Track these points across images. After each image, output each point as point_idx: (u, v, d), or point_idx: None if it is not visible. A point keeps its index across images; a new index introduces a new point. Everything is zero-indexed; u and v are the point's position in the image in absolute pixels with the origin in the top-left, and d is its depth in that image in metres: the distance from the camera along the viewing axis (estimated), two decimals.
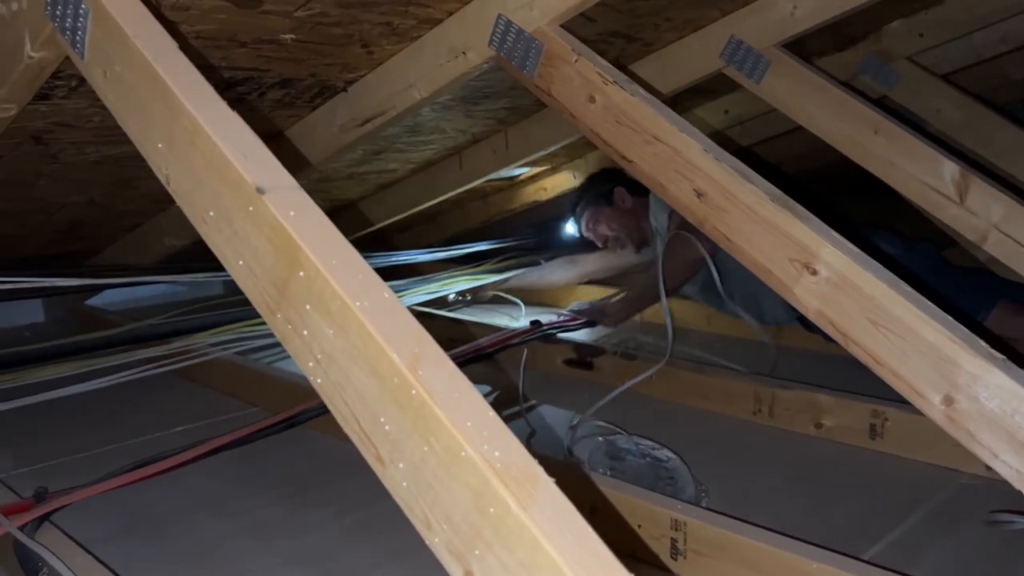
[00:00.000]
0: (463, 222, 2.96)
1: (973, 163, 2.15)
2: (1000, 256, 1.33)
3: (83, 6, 0.75)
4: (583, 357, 1.96)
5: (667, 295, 1.81)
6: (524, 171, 2.72)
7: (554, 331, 1.98)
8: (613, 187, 2.16)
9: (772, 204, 0.97)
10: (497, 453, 0.49)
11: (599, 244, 2.27)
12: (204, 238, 0.67)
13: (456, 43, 1.26)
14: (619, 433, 1.46)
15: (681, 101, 2.08)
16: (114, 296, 2.46)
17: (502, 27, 1.19)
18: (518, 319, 2.38)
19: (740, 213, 1.00)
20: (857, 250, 0.94)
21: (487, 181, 2.63)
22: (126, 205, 1.80)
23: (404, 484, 0.53)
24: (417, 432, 0.51)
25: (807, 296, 0.95)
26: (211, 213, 0.65)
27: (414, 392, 0.51)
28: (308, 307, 0.58)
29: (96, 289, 2.31)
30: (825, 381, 1.64)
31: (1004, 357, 0.86)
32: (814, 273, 0.94)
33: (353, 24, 1.21)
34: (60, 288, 1.93)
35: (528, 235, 3.31)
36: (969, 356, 0.85)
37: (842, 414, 1.55)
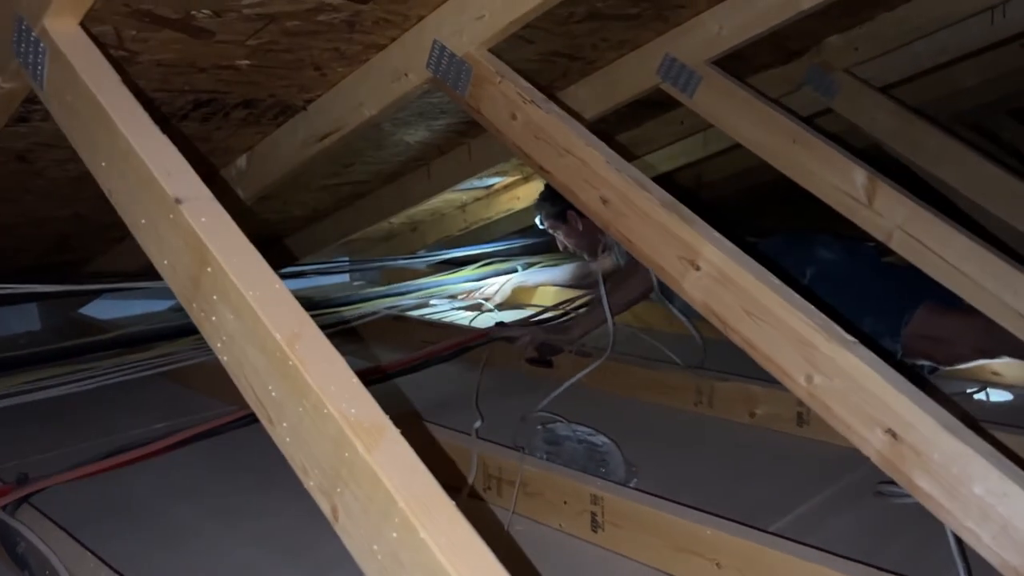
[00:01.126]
0: (443, 230, 3.09)
1: (905, 168, 2.27)
2: (904, 254, 1.45)
3: (41, 45, 0.87)
4: (543, 356, 2.07)
5: (615, 312, 1.96)
6: (498, 180, 2.85)
7: (508, 337, 2.09)
8: (564, 208, 2.32)
9: (662, 208, 1.09)
10: (353, 410, 0.61)
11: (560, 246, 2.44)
12: (139, 241, 0.79)
13: (399, 66, 1.39)
14: (561, 422, 1.58)
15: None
16: (108, 310, 2.59)
17: (437, 51, 1.31)
18: None
19: (637, 217, 1.12)
20: (734, 248, 1.06)
21: (463, 190, 2.77)
22: (109, 218, 1.92)
23: (287, 440, 0.65)
24: (294, 396, 0.64)
25: (693, 289, 1.07)
26: (143, 220, 0.77)
27: (291, 363, 0.63)
28: (215, 297, 0.70)
29: (87, 295, 2.44)
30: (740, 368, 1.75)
31: (855, 340, 0.97)
32: (697, 269, 1.06)
33: (303, 50, 1.34)
34: (51, 293, 2.07)
35: (507, 241, 3.45)
36: (825, 340, 0.97)
37: (773, 403, 1.67)
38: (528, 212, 3.07)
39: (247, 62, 1.33)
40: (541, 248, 3.37)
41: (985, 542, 0.88)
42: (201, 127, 1.55)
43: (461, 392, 1.91)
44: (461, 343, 2.05)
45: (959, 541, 0.99)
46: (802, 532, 1.20)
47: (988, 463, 0.87)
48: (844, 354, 0.96)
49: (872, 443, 0.94)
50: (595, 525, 1.23)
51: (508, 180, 2.84)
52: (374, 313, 2.39)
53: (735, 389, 1.74)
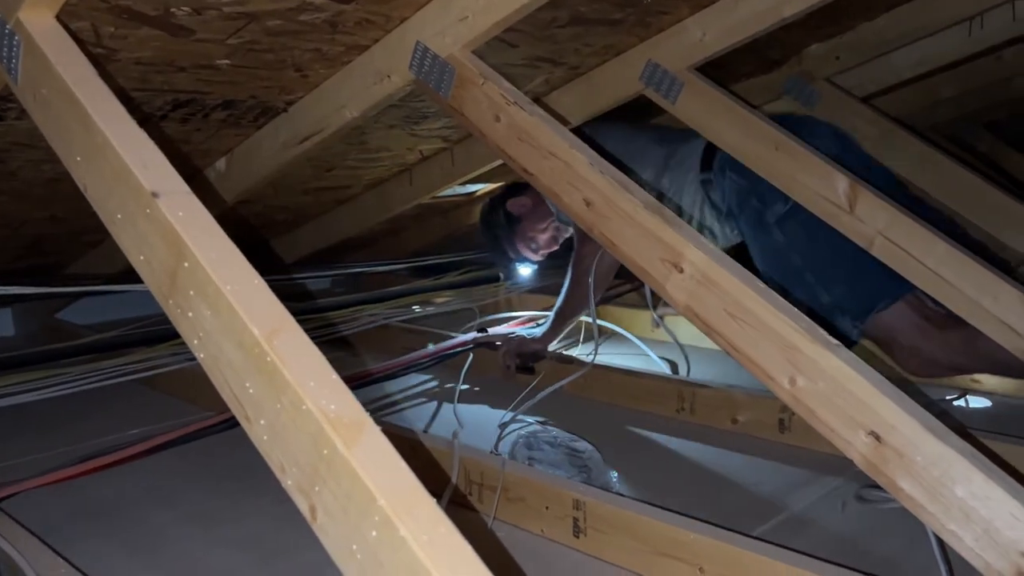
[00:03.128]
0: (424, 237, 3.08)
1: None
2: (885, 258, 1.45)
3: (16, 38, 0.86)
4: (525, 362, 2.06)
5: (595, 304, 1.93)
6: (480, 187, 2.84)
7: (490, 344, 2.08)
8: (503, 209, 2.25)
9: (646, 211, 1.09)
10: (332, 406, 0.60)
11: (551, 250, 2.34)
12: (114, 237, 0.78)
13: (381, 67, 1.38)
14: (542, 428, 1.57)
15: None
16: (85, 315, 2.55)
17: (420, 53, 1.30)
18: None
19: (620, 220, 1.11)
20: (718, 250, 1.06)
21: (445, 197, 2.76)
22: (86, 220, 1.90)
23: (265, 437, 0.64)
24: (272, 392, 0.62)
25: (676, 291, 1.07)
26: (119, 216, 0.76)
27: (269, 359, 0.62)
28: (192, 293, 0.68)
29: (63, 298, 2.40)
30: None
31: (838, 343, 0.97)
32: (681, 271, 1.06)
33: (284, 50, 1.32)
34: (25, 296, 2.04)
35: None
36: (808, 342, 0.97)
37: (755, 410, 1.67)
38: None
39: (227, 62, 1.32)
40: None
41: (968, 544, 0.87)
42: (181, 127, 1.54)
43: (443, 399, 1.90)
44: (443, 350, 2.04)
45: (941, 544, 0.99)
46: (785, 537, 1.19)
47: (971, 466, 0.87)
48: (827, 356, 0.95)
49: (855, 446, 0.94)
50: (577, 530, 1.22)
51: (491, 187, 2.84)
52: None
53: (717, 396, 1.74)
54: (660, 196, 1.94)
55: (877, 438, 0.91)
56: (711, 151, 1.85)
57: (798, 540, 1.18)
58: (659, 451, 1.64)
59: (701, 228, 1.97)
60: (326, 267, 2.98)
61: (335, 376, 0.62)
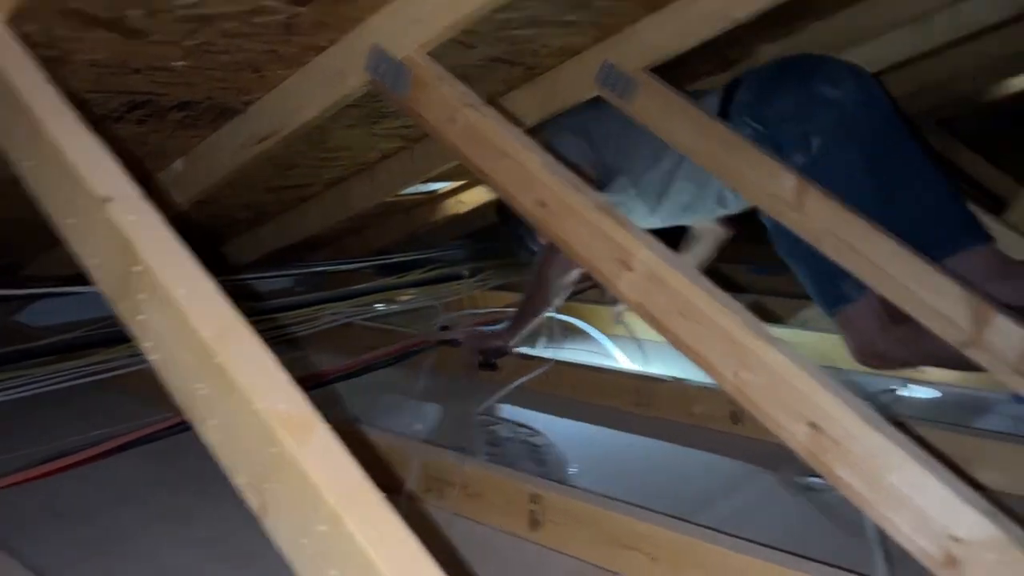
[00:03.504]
0: (387, 235, 3.09)
1: None
2: (832, 255, 1.49)
3: None
4: (488, 359, 2.09)
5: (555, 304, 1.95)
6: (443, 185, 2.86)
7: (451, 341, 2.10)
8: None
9: (597, 212, 1.11)
10: (282, 406, 0.62)
11: None
12: (67, 242, 0.79)
13: (338, 68, 1.39)
14: (501, 423, 1.60)
15: None
16: (44, 316, 2.51)
17: (376, 54, 1.32)
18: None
19: (573, 220, 1.14)
20: (666, 250, 1.09)
21: (407, 195, 2.77)
22: (43, 220, 1.88)
23: (217, 437, 0.65)
24: (222, 393, 0.64)
25: (627, 290, 1.10)
26: (71, 220, 0.77)
27: (217, 361, 0.64)
28: (143, 296, 0.70)
29: (21, 299, 2.37)
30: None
31: (781, 338, 1.00)
32: (631, 270, 1.09)
33: (240, 52, 1.33)
34: None
35: (455, 246, 3.47)
36: (752, 338, 1.00)
37: (709, 403, 1.71)
38: (474, 216, 3.10)
39: (182, 63, 1.32)
40: (487, 253, 3.39)
41: (902, 530, 0.91)
42: (137, 129, 1.53)
43: (405, 396, 1.91)
44: (404, 348, 2.05)
45: (879, 530, 1.03)
46: (735, 525, 1.23)
47: (905, 455, 0.91)
48: (769, 351, 0.99)
49: (796, 436, 0.98)
50: (534, 523, 1.24)
51: (453, 185, 2.85)
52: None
53: (673, 389, 1.78)
54: (669, 172, 1.87)
55: (816, 428, 0.95)
56: (728, 101, 1.78)
57: (746, 528, 1.21)
58: (617, 444, 1.67)
59: (721, 195, 1.87)
60: (289, 266, 2.97)
61: (285, 376, 0.64)
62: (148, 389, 1.85)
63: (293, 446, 0.59)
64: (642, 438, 1.69)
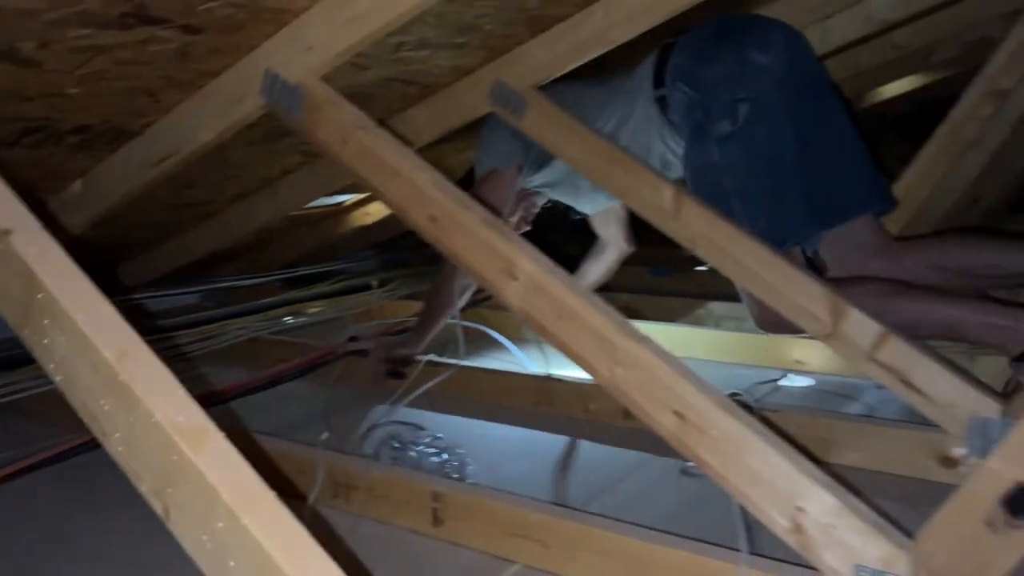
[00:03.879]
0: (294, 248, 3.11)
1: None
2: (706, 258, 1.63)
3: None
4: (396, 368, 2.15)
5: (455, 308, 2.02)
6: (349, 197, 2.91)
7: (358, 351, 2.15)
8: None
9: (483, 226, 1.20)
10: (180, 417, 0.68)
11: (526, 229, 2.28)
12: None
13: (234, 92, 1.44)
14: (406, 428, 1.67)
15: None
16: None
17: (270, 79, 1.38)
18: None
19: (462, 234, 1.23)
20: (546, 260, 1.18)
21: (314, 208, 2.80)
22: None
23: (120, 449, 0.71)
24: (124, 408, 0.69)
25: (513, 297, 1.19)
26: None
27: (120, 378, 0.69)
28: (46, 322, 0.74)
29: None
30: None
31: (648, 337, 1.11)
32: (516, 279, 1.18)
33: (135, 79, 1.37)
34: None
35: (363, 257, 3.52)
36: (622, 337, 1.11)
37: (604, 400, 1.82)
38: (381, 227, 3.15)
39: (77, 90, 1.34)
40: (395, 264, 3.45)
41: (757, 504, 1.03)
42: (33, 153, 1.54)
43: (312, 407, 1.96)
44: (310, 361, 2.09)
45: (740, 506, 1.14)
46: (624, 511, 1.34)
47: (755, 437, 1.03)
48: (638, 348, 1.10)
49: (665, 424, 1.08)
50: (436, 520, 1.32)
51: (359, 197, 2.90)
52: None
53: (570, 388, 1.89)
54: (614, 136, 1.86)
55: (681, 417, 1.06)
56: (663, 64, 1.80)
57: (633, 513, 1.32)
58: (517, 442, 1.76)
59: (664, 159, 1.88)
60: (194, 282, 2.96)
61: (182, 391, 0.70)
62: (46, 412, 1.87)
63: (191, 453, 0.65)
64: (543, 434, 1.79)
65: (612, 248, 2.50)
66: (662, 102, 1.80)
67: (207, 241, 2.52)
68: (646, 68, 1.83)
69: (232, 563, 0.63)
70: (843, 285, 1.60)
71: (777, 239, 1.64)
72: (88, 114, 1.46)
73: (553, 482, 1.53)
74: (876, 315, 1.47)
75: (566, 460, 1.66)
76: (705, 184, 1.74)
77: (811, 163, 1.70)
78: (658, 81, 1.79)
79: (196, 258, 2.58)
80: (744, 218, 1.68)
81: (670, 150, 1.85)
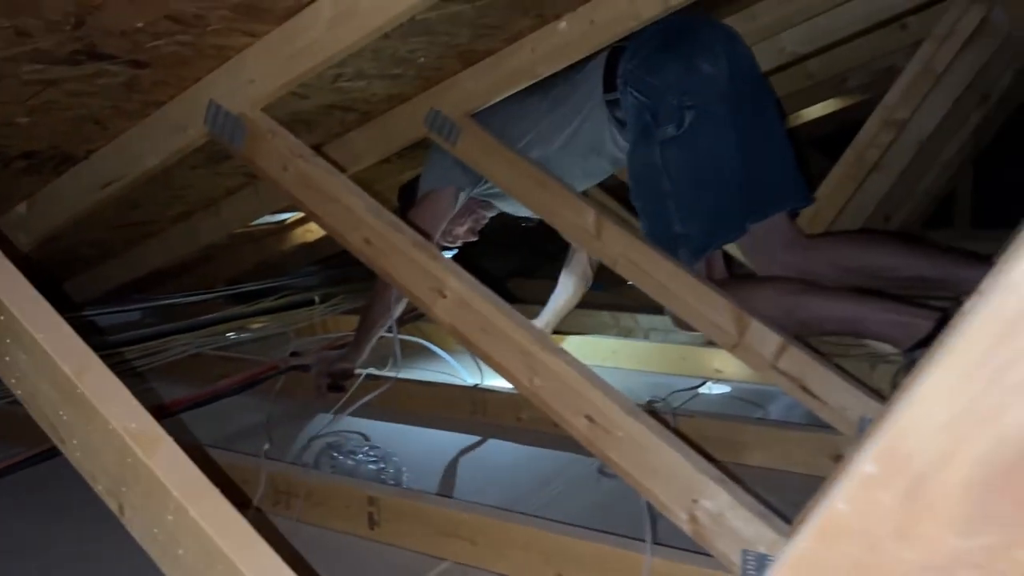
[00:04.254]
0: (238, 264, 3.16)
1: None
2: (626, 276, 1.76)
3: None
4: (337, 382, 2.23)
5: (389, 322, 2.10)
6: (291, 215, 2.98)
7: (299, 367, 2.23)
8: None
9: (414, 248, 1.31)
10: (133, 425, 0.77)
11: (474, 239, 2.36)
12: None
13: (178, 121, 1.52)
14: (345, 438, 1.76)
15: None
16: None
17: (213, 110, 1.46)
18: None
19: (395, 255, 1.33)
20: (472, 278, 1.29)
21: (257, 225, 2.87)
22: None
23: (78, 454, 0.79)
24: (82, 418, 0.78)
25: (442, 313, 1.29)
26: None
27: (79, 391, 0.78)
28: (8, 341, 0.82)
29: None
30: None
31: (563, 348, 1.23)
32: (444, 297, 1.29)
33: (83, 108, 1.44)
34: None
35: (306, 273, 3.59)
36: (540, 349, 1.22)
37: (534, 409, 1.92)
38: (323, 244, 3.23)
39: (27, 119, 1.41)
40: (338, 279, 3.52)
41: (659, 498, 1.15)
42: None
43: (254, 421, 2.03)
44: (252, 376, 2.16)
45: (647, 502, 1.26)
46: (550, 509, 1.45)
47: (656, 438, 1.15)
48: (554, 359, 1.21)
49: (578, 428, 1.20)
50: (372, 523, 1.41)
51: (301, 214, 2.97)
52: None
53: (503, 399, 2.00)
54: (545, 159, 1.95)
55: (591, 420, 1.18)
56: (613, 68, 1.87)
57: (556, 511, 1.43)
58: (452, 449, 1.86)
59: (615, 158, 1.98)
60: (137, 299, 3.00)
61: (135, 402, 0.79)
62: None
63: (144, 456, 0.74)
64: (475, 443, 1.89)
65: (578, 285, 2.55)
66: (612, 104, 1.88)
67: (152, 259, 2.57)
68: (595, 73, 1.91)
69: (181, 551, 0.72)
70: (755, 283, 1.75)
71: (706, 242, 1.79)
72: (36, 141, 1.53)
73: (481, 484, 1.63)
74: (786, 311, 1.62)
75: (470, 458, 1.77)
76: (644, 184, 1.85)
77: (748, 165, 1.82)
78: (608, 85, 1.88)
79: (141, 275, 2.62)
80: (676, 218, 1.78)
81: (620, 149, 1.95)
